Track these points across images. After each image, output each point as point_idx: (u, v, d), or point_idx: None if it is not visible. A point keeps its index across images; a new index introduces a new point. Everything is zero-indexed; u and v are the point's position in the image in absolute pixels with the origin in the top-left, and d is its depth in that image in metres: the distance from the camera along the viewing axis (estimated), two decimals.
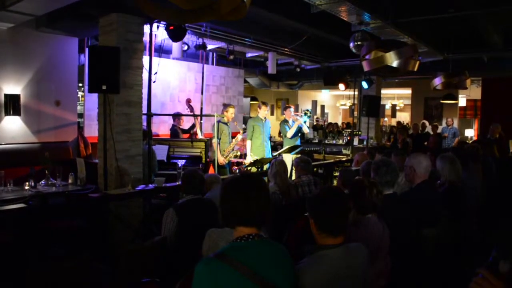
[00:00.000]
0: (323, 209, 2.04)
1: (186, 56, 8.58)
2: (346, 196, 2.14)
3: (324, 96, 19.73)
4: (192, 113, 8.06)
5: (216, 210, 3.64)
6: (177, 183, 5.08)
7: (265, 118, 7.41)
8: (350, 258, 2.01)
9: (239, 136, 7.10)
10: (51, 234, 4.70)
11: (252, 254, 1.71)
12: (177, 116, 7.99)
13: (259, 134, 7.30)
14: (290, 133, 7.72)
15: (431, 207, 3.44)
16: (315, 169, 7.19)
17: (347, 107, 18.85)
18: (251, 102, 15.16)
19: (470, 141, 10.74)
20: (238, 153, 7.23)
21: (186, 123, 8.38)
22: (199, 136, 7.83)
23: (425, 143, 9.81)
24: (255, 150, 7.27)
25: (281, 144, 9.16)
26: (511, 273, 1.60)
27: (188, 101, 8.16)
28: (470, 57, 9.45)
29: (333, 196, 2.08)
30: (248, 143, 7.29)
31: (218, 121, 6.91)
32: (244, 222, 1.79)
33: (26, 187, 4.85)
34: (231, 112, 7.11)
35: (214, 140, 6.81)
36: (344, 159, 8.76)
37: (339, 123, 17.38)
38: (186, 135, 8.02)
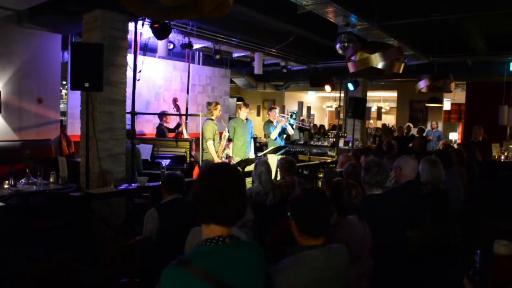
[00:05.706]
0: (304, 210, 2.02)
1: (172, 55, 8.52)
2: (328, 197, 2.12)
3: (311, 97, 19.80)
4: (177, 113, 7.99)
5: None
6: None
7: (246, 118, 7.33)
8: (331, 259, 1.99)
9: (226, 134, 6.97)
10: (31, 233, 4.62)
11: (219, 259, 1.60)
12: (163, 115, 7.92)
13: (240, 136, 7.23)
14: (274, 134, 7.70)
15: (414, 206, 3.46)
16: (299, 170, 7.19)
17: (333, 109, 18.93)
18: (237, 102, 15.10)
19: (454, 144, 10.83)
20: (229, 152, 7.13)
21: (173, 122, 8.33)
22: (185, 135, 7.75)
23: (410, 145, 9.88)
24: (237, 151, 7.19)
25: (266, 145, 9.12)
26: None
27: (175, 101, 8.10)
28: (455, 61, 9.56)
29: (314, 197, 2.06)
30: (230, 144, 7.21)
31: (207, 119, 6.67)
32: (218, 219, 1.64)
33: (6, 186, 4.76)
34: (219, 109, 6.87)
35: (210, 143, 6.50)
36: (329, 160, 8.79)
37: (326, 125, 17.41)
38: (172, 134, 7.95)
